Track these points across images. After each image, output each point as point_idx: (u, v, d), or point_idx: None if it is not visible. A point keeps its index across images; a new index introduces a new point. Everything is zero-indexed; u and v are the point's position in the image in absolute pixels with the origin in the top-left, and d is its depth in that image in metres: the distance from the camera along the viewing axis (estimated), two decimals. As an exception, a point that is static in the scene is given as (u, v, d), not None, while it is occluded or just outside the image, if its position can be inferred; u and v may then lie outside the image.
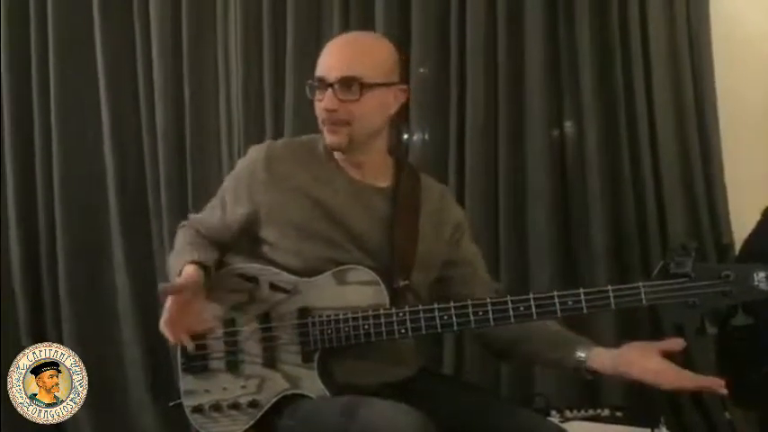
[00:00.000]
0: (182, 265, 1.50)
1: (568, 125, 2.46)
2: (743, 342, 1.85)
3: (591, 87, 2.38)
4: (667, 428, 2.05)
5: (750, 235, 2.04)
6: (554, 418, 2.05)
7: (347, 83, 1.48)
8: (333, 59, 1.52)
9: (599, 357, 1.45)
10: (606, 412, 2.12)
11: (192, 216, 1.71)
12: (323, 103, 1.50)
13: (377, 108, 1.53)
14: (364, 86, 1.48)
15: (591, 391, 2.36)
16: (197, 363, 1.53)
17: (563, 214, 2.44)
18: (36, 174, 2.78)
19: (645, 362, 1.39)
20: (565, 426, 1.72)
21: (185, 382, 1.55)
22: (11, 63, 2.78)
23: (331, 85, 1.48)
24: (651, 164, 2.37)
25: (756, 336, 1.80)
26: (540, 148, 2.41)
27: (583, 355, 1.46)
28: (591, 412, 2.12)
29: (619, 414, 2.11)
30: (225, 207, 1.60)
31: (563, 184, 2.44)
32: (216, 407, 1.51)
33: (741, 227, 2.26)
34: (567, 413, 2.11)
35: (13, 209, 2.79)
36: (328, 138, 1.53)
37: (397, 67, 1.58)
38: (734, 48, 2.38)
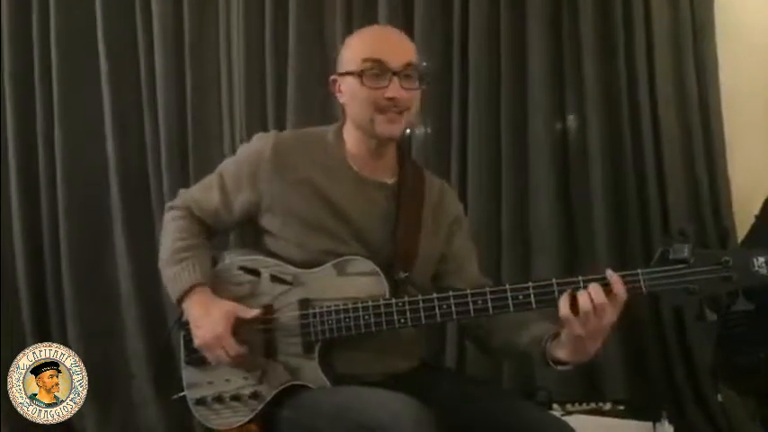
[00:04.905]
0: (186, 287, 1.51)
1: (571, 118, 2.46)
2: (740, 327, 1.85)
3: (594, 80, 2.38)
4: (669, 422, 2.05)
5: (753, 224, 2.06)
6: (556, 412, 2.05)
7: (410, 70, 1.47)
8: (392, 46, 1.50)
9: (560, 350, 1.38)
10: (608, 406, 2.13)
11: (182, 194, 1.67)
12: (389, 91, 1.46)
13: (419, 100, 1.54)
14: (422, 76, 1.50)
15: (593, 385, 2.36)
16: (199, 355, 1.53)
17: (566, 207, 2.44)
18: (39, 169, 2.78)
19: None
20: (567, 419, 1.72)
21: (188, 374, 1.56)
22: (14, 54, 2.77)
23: (396, 73, 1.46)
24: (654, 156, 2.38)
25: (752, 321, 1.81)
26: (542, 141, 2.42)
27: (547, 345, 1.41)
28: (593, 406, 2.12)
29: (621, 408, 2.12)
30: (225, 190, 1.58)
31: (565, 177, 2.45)
32: (218, 398, 1.51)
33: (743, 220, 2.26)
34: (569, 407, 2.11)
35: (17, 204, 2.78)
36: (387, 127, 1.48)
37: None
38: (737, 37, 2.38)
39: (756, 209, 2.09)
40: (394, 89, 1.46)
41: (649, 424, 2.03)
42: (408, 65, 1.47)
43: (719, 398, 2.28)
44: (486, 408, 1.45)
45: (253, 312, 1.48)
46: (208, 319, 1.48)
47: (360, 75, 1.48)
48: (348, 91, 1.53)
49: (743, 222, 2.28)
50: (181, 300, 1.53)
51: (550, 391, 2.18)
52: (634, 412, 2.08)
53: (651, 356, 2.37)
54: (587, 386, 2.35)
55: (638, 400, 2.25)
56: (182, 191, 1.69)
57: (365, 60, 1.47)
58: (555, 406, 2.11)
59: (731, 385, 2.19)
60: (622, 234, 2.40)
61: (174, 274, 1.54)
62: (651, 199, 2.37)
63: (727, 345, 1.99)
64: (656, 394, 2.34)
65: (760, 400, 2.09)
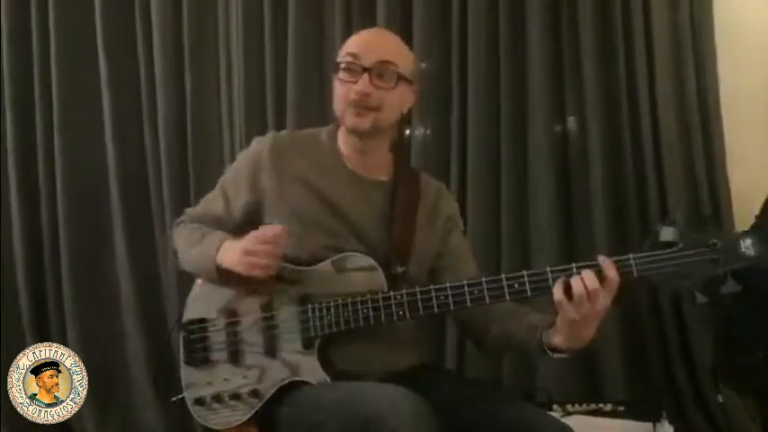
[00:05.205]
0: (215, 247, 1.49)
1: (571, 120, 2.46)
2: (734, 309, 1.85)
3: (593, 81, 2.38)
4: (669, 423, 2.05)
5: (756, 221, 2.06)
6: (556, 413, 2.05)
7: (383, 69, 1.49)
8: (370, 43, 1.54)
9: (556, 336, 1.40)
10: (608, 407, 2.12)
11: (188, 211, 1.71)
12: (357, 86, 1.49)
13: (400, 101, 1.56)
14: (399, 76, 1.51)
15: (593, 386, 2.36)
16: (198, 355, 1.53)
17: (565, 208, 2.44)
18: (38, 171, 2.79)
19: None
20: (566, 420, 1.73)
21: (187, 374, 1.55)
22: (13, 57, 2.79)
23: (367, 69, 1.49)
24: (654, 157, 2.37)
25: (750, 320, 1.81)
26: (542, 143, 2.41)
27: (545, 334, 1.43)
28: (593, 406, 2.12)
29: (621, 408, 2.11)
30: (227, 198, 1.61)
31: (565, 178, 2.44)
32: (217, 398, 1.51)
33: (743, 220, 2.26)
34: (569, 407, 2.11)
35: (16, 205, 2.80)
36: (352, 120, 1.52)
37: (415, 67, 1.61)
38: (737, 37, 2.38)
39: (756, 209, 2.09)
40: (361, 84, 1.49)
41: (649, 425, 2.02)
42: (382, 63, 1.50)
43: (720, 398, 2.28)
44: (485, 409, 1.45)
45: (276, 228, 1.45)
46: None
47: (337, 67, 1.52)
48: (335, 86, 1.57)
49: (743, 222, 2.28)
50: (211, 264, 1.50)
51: (550, 392, 2.18)
52: (634, 413, 2.08)
53: (651, 357, 2.37)
54: (587, 387, 2.35)
55: (638, 400, 2.24)
56: (188, 209, 1.73)
57: (345, 54, 1.52)
58: (555, 407, 2.11)
59: (731, 385, 2.19)
60: (622, 235, 2.39)
61: (203, 246, 1.54)
62: (651, 200, 2.36)
63: (726, 344, 1.99)
64: (656, 395, 2.34)
65: (760, 400, 2.09)
